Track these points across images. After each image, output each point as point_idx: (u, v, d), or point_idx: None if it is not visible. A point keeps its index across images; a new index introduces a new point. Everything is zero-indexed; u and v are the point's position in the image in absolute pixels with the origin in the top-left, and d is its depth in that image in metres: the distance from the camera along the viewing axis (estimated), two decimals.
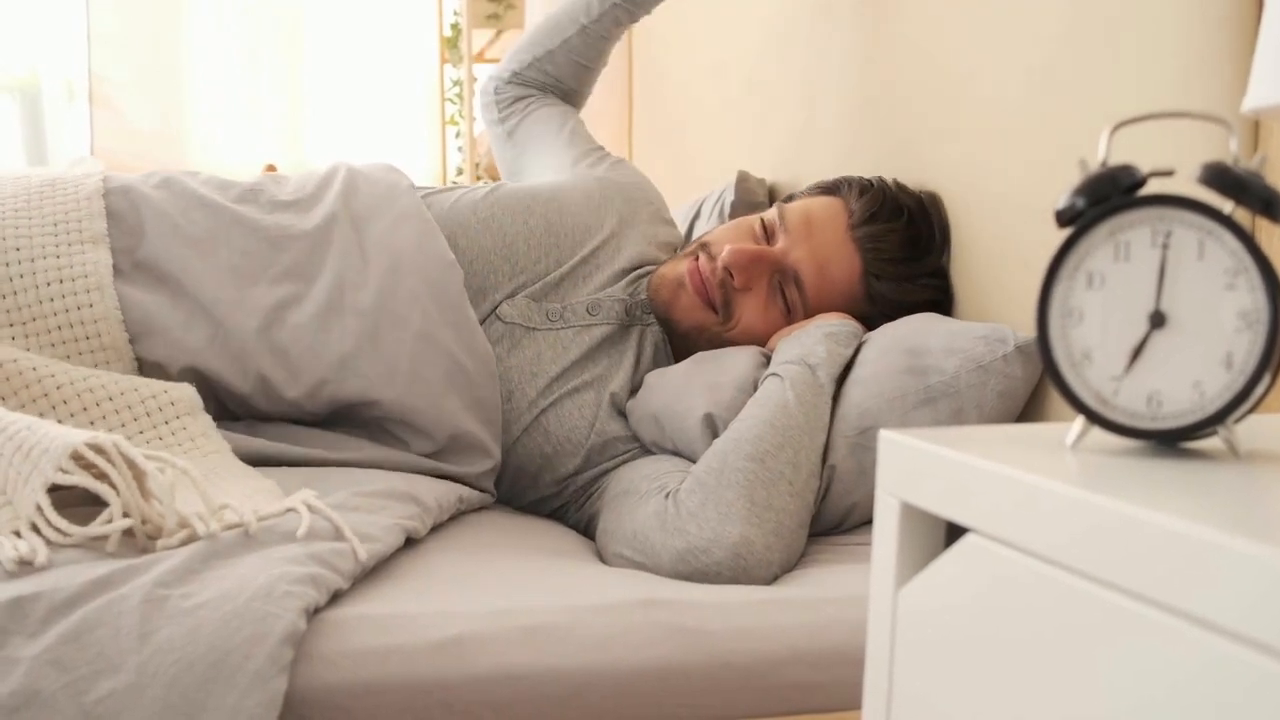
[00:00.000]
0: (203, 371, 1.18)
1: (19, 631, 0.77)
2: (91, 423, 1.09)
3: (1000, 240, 1.29)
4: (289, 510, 0.93)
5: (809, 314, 1.33)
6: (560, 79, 1.74)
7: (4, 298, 1.15)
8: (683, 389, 1.22)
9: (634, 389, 1.32)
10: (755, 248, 1.33)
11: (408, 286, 1.26)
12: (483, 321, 1.32)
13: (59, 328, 1.16)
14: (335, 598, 0.87)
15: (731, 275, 1.32)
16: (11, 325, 1.15)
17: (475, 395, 1.26)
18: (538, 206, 1.41)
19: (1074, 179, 0.58)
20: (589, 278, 1.38)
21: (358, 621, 0.84)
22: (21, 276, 1.16)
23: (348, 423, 1.24)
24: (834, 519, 1.18)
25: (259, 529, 0.89)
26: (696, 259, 1.35)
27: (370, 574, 0.94)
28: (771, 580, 1.03)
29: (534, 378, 1.30)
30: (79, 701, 0.74)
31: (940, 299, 1.37)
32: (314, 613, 0.83)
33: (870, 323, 1.32)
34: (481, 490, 1.26)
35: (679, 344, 1.37)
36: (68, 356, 1.15)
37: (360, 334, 1.22)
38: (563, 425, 1.28)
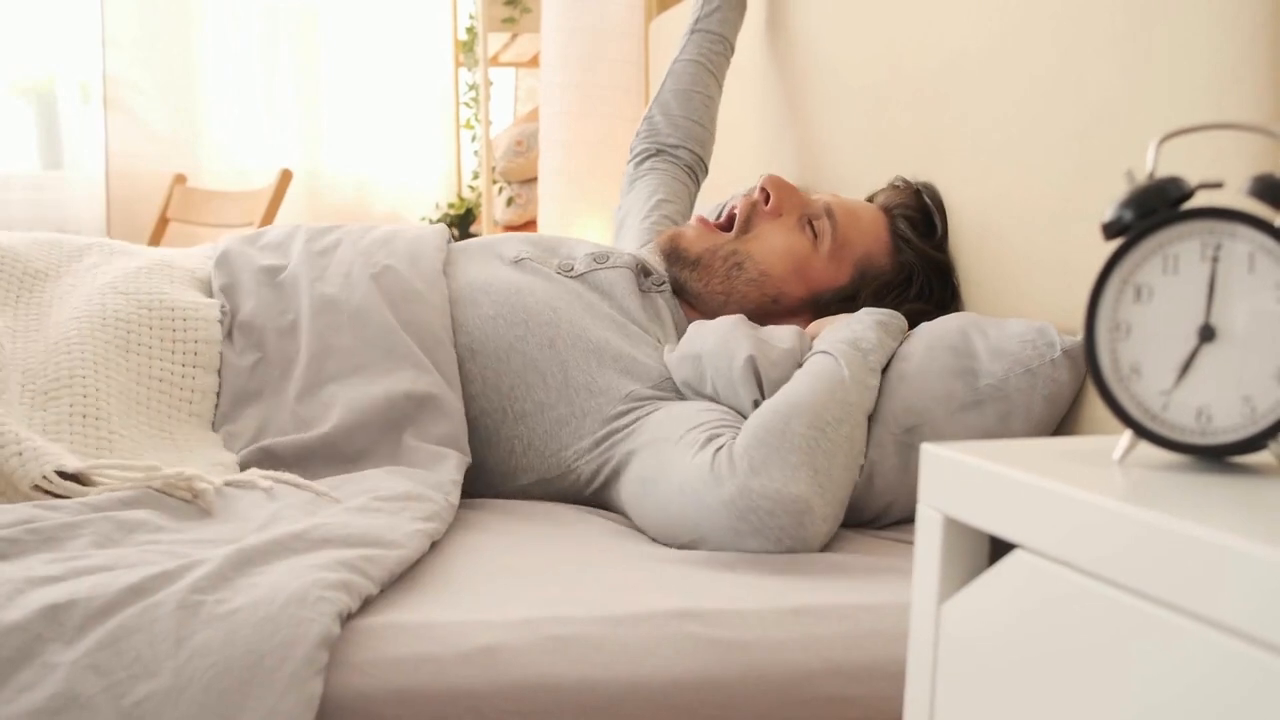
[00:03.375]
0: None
1: (56, 639, 0.77)
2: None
3: (1025, 250, 1.28)
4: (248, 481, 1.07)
5: (836, 243, 1.38)
6: (673, 133, 1.83)
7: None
8: (729, 334, 1.23)
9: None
10: (791, 184, 1.43)
11: (393, 246, 1.38)
12: (505, 263, 1.39)
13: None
14: (366, 604, 0.87)
15: (766, 197, 1.40)
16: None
17: (419, 328, 1.29)
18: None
19: (1121, 191, 0.58)
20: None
21: (389, 629, 0.84)
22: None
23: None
24: (872, 513, 1.18)
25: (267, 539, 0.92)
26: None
27: (398, 579, 0.94)
28: (818, 547, 1.06)
29: (566, 307, 1.31)
30: (118, 704, 0.74)
31: (953, 277, 1.42)
32: (346, 619, 0.83)
33: (899, 279, 1.39)
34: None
35: (694, 285, 1.40)
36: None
37: (348, 261, 1.36)
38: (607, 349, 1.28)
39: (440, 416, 1.22)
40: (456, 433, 1.21)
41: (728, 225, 1.42)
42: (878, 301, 1.37)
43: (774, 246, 1.39)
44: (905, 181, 1.48)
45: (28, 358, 1.22)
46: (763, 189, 1.41)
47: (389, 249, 1.37)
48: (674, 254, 1.41)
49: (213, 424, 1.26)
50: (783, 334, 1.25)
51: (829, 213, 1.39)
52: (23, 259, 1.37)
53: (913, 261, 1.39)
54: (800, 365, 1.20)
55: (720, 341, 1.22)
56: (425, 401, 1.22)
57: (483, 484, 1.28)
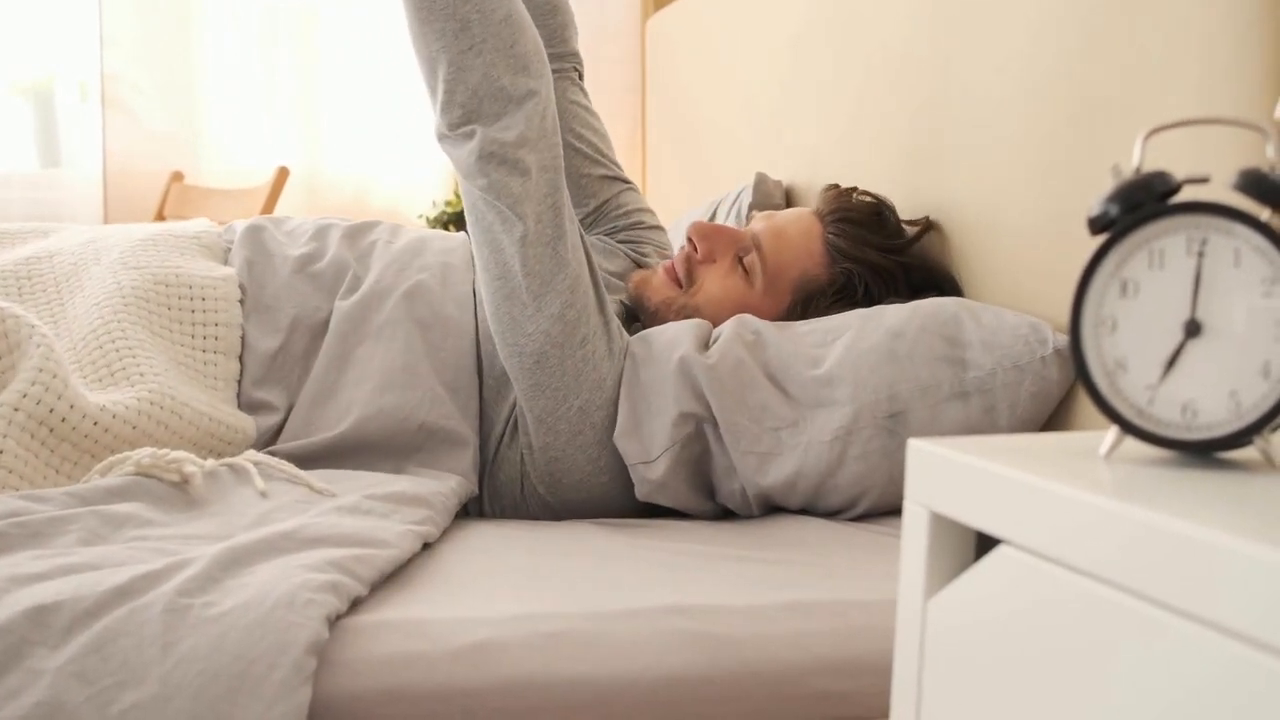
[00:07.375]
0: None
1: (42, 642, 0.76)
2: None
3: (1020, 247, 1.28)
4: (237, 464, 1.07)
5: (768, 276, 1.37)
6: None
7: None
8: (680, 332, 1.24)
9: None
10: (717, 224, 1.42)
11: (424, 259, 1.37)
12: None
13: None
14: (355, 604, 0.87)
15: (695, 247, 1.39)
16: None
17: (441, 353, 1.29)
18: None
19: (1107, 186, 0.57)
20: None
21: (379, 628, 0.84)
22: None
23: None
24: (848, 498, 1.17)
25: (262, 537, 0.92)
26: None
27: (388, 579, 0.94)
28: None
29: None
30: (103, 714, 0.73)
31: (930, 284, 1.39)
32: (335, 620, 0.82)
33: (839, 287, 1.36)
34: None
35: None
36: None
37: (380, 268, 1.36)
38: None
39: (451, 449, 1.23)
40: (466, 467, 1.22)
41: (676, 277, 1.41)
42: (820, 310, 1.36)
43: (714, 297, 1.38)
44: (855, 189, 1.45)
45: (69, 348, 1.22)
46: (690, 240, 1.40)
47: (421, 261, 1.36)
48: (639, 301, 1.42)
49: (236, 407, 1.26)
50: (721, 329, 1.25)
51: (756, 245, 1.38)
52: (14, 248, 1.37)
53: (850, 269, 1.36)
54: (746, 344, 1.20)
55: (670, 336, 1.23)
56: (436, 433, 1.23)
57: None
